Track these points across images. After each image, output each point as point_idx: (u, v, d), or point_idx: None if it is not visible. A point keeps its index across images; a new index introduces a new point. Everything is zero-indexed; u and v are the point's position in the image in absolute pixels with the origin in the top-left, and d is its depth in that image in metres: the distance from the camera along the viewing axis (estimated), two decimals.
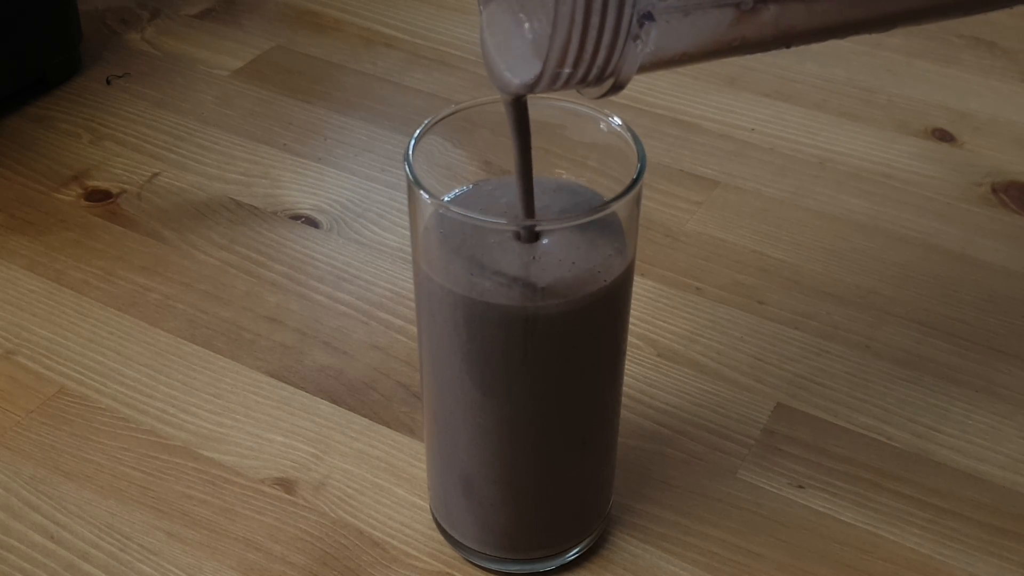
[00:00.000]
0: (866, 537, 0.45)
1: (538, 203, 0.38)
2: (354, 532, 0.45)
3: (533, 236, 0.37)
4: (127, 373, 0.52)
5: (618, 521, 0.46)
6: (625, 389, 0.47)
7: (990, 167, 0.65)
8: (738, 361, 0.52)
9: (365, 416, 0.50)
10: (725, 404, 0.50)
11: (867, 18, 0.36)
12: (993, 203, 0.62)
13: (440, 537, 0.45)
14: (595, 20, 0.30)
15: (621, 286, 0.38)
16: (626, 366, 0.43)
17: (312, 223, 0.61)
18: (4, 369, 0.52)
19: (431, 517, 0.45)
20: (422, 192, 0.36)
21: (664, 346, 0.53)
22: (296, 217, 0.61)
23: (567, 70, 0.31)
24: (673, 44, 0.32)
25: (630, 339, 0.49)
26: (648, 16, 0.31)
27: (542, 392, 0.39)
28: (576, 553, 0.44)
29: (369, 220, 0.61)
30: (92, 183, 0.64)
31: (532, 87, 0.33)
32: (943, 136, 0.67)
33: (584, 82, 0.32)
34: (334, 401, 0.51)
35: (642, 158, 0.37)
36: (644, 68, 0.32)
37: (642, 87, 0.69)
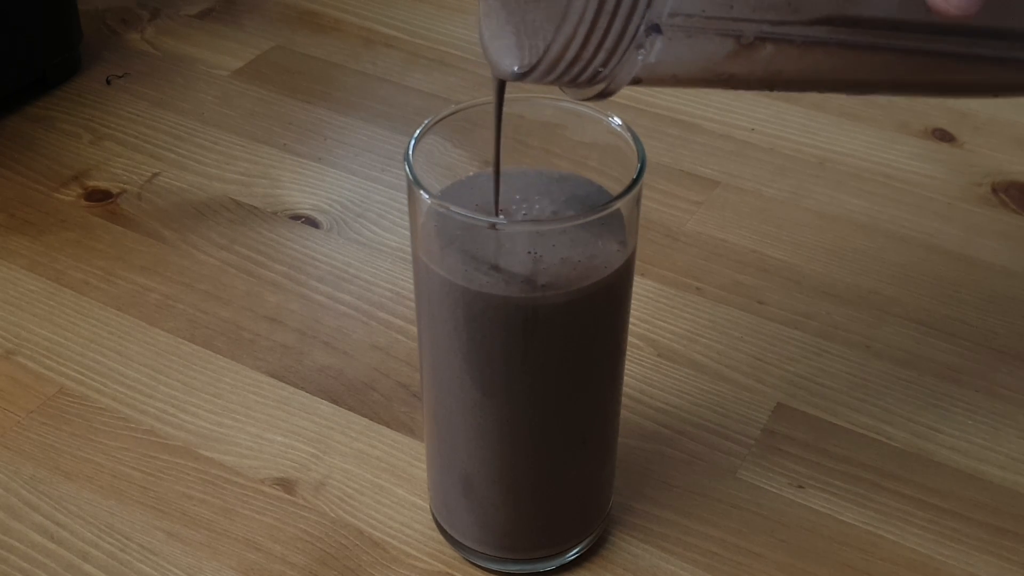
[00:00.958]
0: (866, 537, 0.45)
1: (540, 194, 0.38)
2: (354, 532, 0.45)
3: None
4: (127, 373, 0.52)
5: (618, 521, 0.46)
6: (625, 389, 0.47)
7: (990, 167, 0.64)
8: (738, 361, 0.52)
9: (365, 416, 0.50)
10: (725, 404, 0.50)
11: (853, 79, 0.36)
12: (993, 203, 0.62)
13: (440, 537, 0.45)
14: (603, 21, 0.30)
15: (621, 281, 0.38)
16: (626, 366, 0.43)
17: (312, 223, 0.61)
18: (4, 369, 0.52)
19: (431, 517, 0.45)
20: (422, 192, 0.36)
21: (664, 346, 0.53)
22: (296, 217, 0.61)
23: (564, 65, 0.31)
24: (668, 63, 0.32)
25: (630, 339, 0.49)
26: (656, 28, 0.31)
27: (542, 392, 0.39)
28: (576, 553, 0.44)
29: (369, 220, 0.61)
30: (92, 183, 0.64)
31: (524, 76, 0.33)
32: (943, 136, 0.67)
33: (575, 81, 0.32)
34: (334, 401, 0.51)
35: (642, 158, 0.37)
36: (634, 81, 0.32)
37: (642, 87, 0.69)
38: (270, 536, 0.45)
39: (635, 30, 0.30)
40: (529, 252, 0.37)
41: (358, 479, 0.47)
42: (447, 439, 0.41)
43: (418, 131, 0.38)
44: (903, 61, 0.35)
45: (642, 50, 0.31)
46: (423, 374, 0.41)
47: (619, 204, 0.36)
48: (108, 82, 0.72)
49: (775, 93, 0.70)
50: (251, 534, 0.45)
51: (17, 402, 0.51)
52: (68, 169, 0.65)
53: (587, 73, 0.32)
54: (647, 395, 0.51)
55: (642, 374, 0.52)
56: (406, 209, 0.55)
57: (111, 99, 0.70)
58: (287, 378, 0.52)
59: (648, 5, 0.30)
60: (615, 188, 0.38)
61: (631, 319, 0.44)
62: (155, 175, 0.64)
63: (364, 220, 0.61)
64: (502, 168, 0.37)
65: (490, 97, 0.37)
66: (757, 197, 0.62)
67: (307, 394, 0.51)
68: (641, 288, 0.56)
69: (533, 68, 0.32)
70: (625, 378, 0.43)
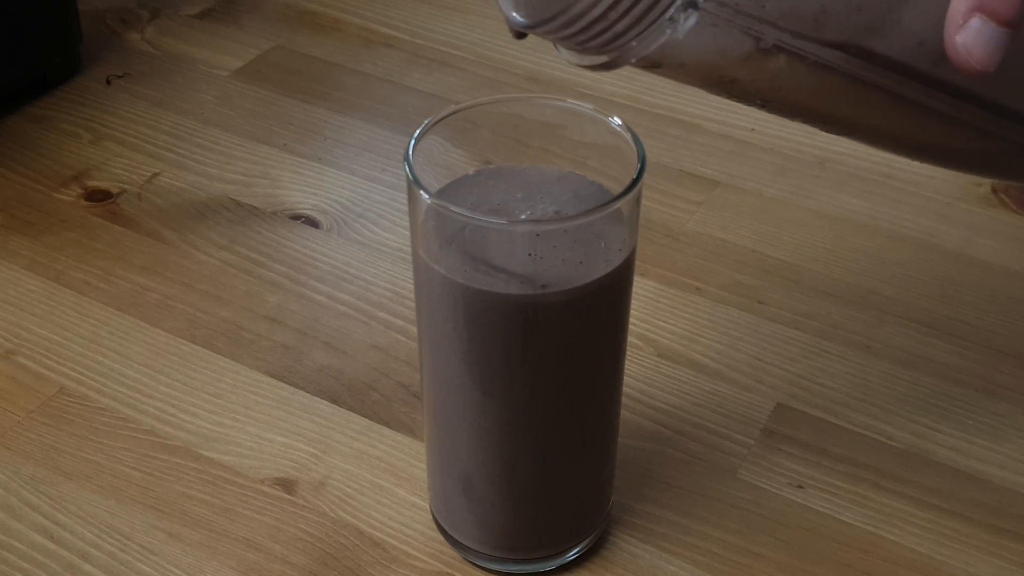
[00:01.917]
0: (866, 537, 0.45)
1: (541, 193, 0.38)
2: (354, 532, 0.45)
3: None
4: (127, 373, 0.52)
5: (618, 521, 0.46)
6: (625, 389, 0.47)
7: None
8: (738, 361, 0.52)
9: (365, 416, 0.50)
10: (725, 404, 0.50)
11: (844, 115, 0.36)
12: (993, 203, 0.62)
13: (440, 537, 0.45)
14: None
15: (621, 281, 0.38)
16: (626, 366, 0.43)
17: (312, 223, 0.61)
18: (4, 369, 0.52)
19: (431, 517, 0.45)
20: (422, 192, 0.36)
21: (664, 346, 0.53)
22: (296, 217, 0.61)
23: (585, 22, 0.30)
24: (686, 48, 0.31)
25: (630, 339, 0.49)
26: (693, 4, 0.30)
27: (542, 392, 0.39)
28: (576, 553, 0.44)
29: (369, 220, 0.61)
30: (92, 183, 0.64)
31: (537, 27, 0.32)
32: None
33: (587, 42, 0.32)
34: (334, 401, 0.51)
35: (642, 158, 0.37)
36: (644, 60, 0.32)
37: (642, 87, 0.69)
38: (270, 536, 0.45)
39: (671, 2, 0.30)
40: (529, 252, 0.37)
41: (358, 479, 0.47)
42: (447, 439, 0.41)
43: (418, 131, 0.38)
44: (898, 109, 0.35)
45: (671, 26, 0.30)
46: (423, 374, 0.41)
47: (619, 204, 0.36)
48: (108, 82, 0.72)
49: None
50: (251, 534, 0.45)
51: (17, 402, 0.51)
52: (68, 169, 0.65)
53: (605, 36, 0.31)
54: (647, 395, 0.51)
55: (642, 374, 0.52)
56: (406, 209, 0.55)
57: (111, 99, 0.70)
58: (287, 378, 0.52)
59: None
60: (615, 188, 0.38)
61: (631, 319, 0.44)
62: (155, 175, 0.64)
63: (364, 220, 0.61)
64: (502, 168, 0.37)
65: (490, 97, 0.37)
66: (757, 197, 0.62)
67: (307, 394, 0.51)
68: (641, 288, 0.56)
69: (552, 18, 0.31)
70: (625, 378, 0.43)
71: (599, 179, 0.39)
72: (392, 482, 0.47)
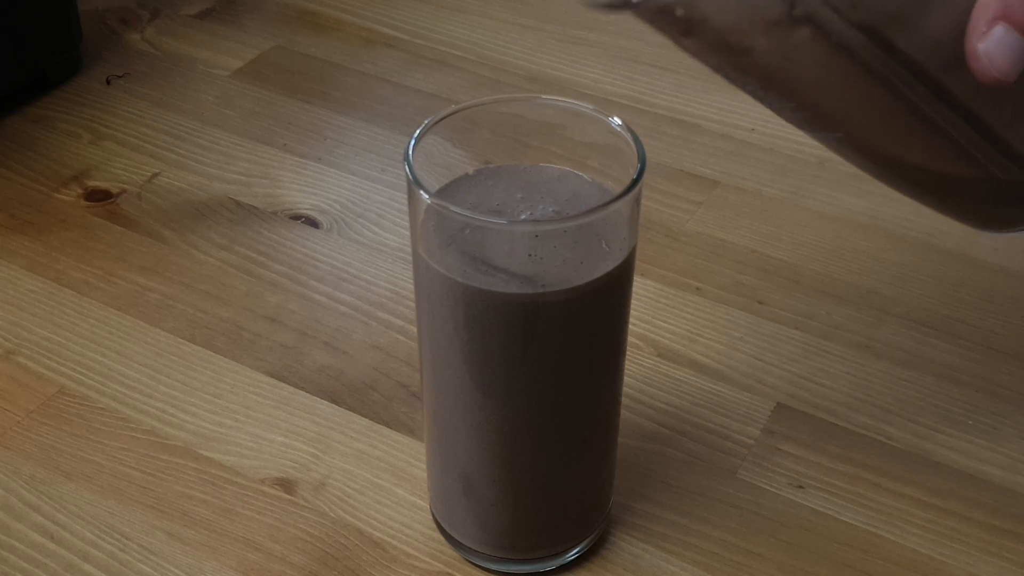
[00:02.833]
0: (866, 537, 0.45)
1: (541, 193, 0.38)
2: (354, 532, 0.45)
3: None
4: (127, 373, 0.52)
5: (618, 521, 0.46)
6: (625, 389, 0.47)
7: None
8: (738, 361, 0.52)
9: (365, 416, 0.50)
10: (725, 404, 0.50)
11: (845, 114, 0.36)
12: None
13: (440, 537, 0.45)
14: None
15: (621, 281, 0.38)
16: (626, 366, 0.43)
17: (312, 223, 0.61)
18: (4, 369, 0.52)
19: (431, 517, 0.45)
20: (422, 192, 0.36)
21: (664, 346, 0.53)
22: (296, 217, 0.61)
23: None
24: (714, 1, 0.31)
25: (630, 339, 0.49)
26: None
27: (542, 391, 0.39)
28: (576, 553, 0.44)
29: (369, 220, 0.61)
30: (92, 183, 0.64)
31: None
32: None
33: None
34: (334, 401, 0.51)
35: (642, 158, 0.37)
36: (663, 8, 0.31)
37: (642, 87, 0.69)
38: (270, 536, 0.45)
39: None
40: (529, 252, 0.37)
41: (358, 479, 0.47)
42: (447, 439, 0.41)
43: (418, 131, 0.38)
44: (894, 111, 0.36)
45: None
46: (423, 374, 0.41)
47: (619, 204, 0.36)
48: (108, 82, 0.72)
49: None
50: (251, 534, 0.45)
51: (17, 402, 0.51)
52: (68, 169, 0.65)
53: None
54: (647, 395, 0.51)
55: (642, 374, 0.52)
56: (406, 209, 0.55)
57: (111, 99, 0.70)
58: (287, 378, 0.52)
59: None
60: (615, 188, 0.38)
61: (631, 319, 0.44)
62: (155, 175, 0.64)
63: (364, 220, 0.61)
64: (502, 168, 0.37)
65: (490, 97, 0.37)
66: (757, 197, 0.62)
67: (307, 394, 0.51)
68: (641, 288, 0.56)
69: None
70: (625, 378, 0.43)
71: (599, 179, 0.39)
72: (392, 482, 0.47)
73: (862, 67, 0.33)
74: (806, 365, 0.52)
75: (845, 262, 0.58)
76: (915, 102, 0.35)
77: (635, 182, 0.36)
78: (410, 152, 0.37)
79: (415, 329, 0.45)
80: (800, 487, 0.47)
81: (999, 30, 0.31)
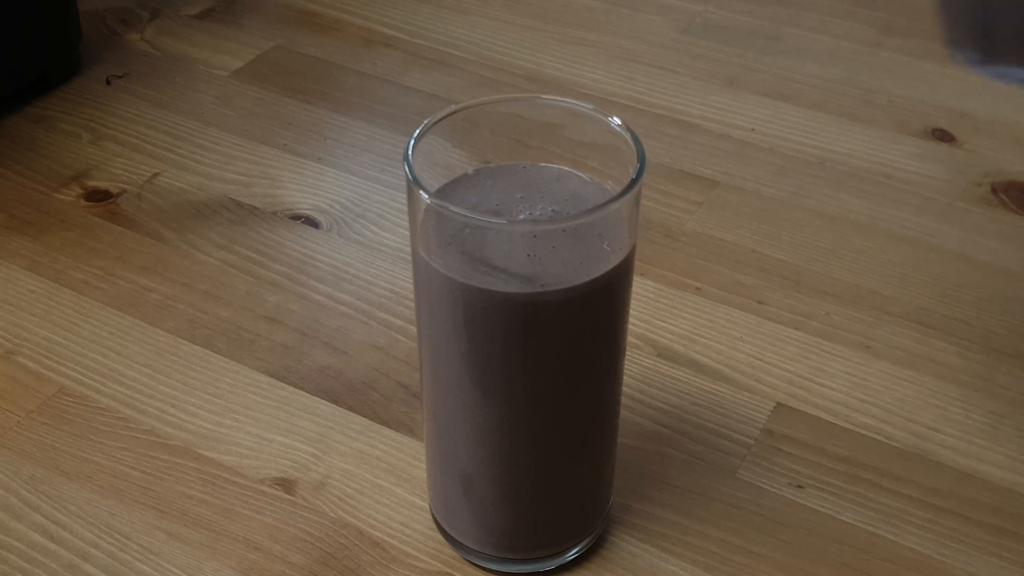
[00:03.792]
0: (866, 537, 0.45)
1: (541, 193, 0.38)
2: (354, 532, 0.45)
3: None
4: (127, 373, 0.52)
5: (618, 521, 0.46)
6: (625, 389, 0.47)
7: (990, 167, 0.65)
8: (738, 361, 0.52)
9: (365, 416, 0.50)
10: (725, 404, 0.50)
11: None
12: (993, 203, 0.62)
13: (440, 537, 0.45)
14: None
15: (621, 281, 0.38)
16: (626, 366, 0.43)
17: (312, 223, 0.61)
18: (4, 369, 0.52)
19: (431, 517, 0.45)
20: (421, 192, 0.36)
21: (664, 346, 0.53)
22: (296, 217, 0.61)
23: None
24: None
25: (630, 339, 0.49)
26: None
27: (541, 391, 0.39)
28: (576, 553, 0.44)
29: (369, 220, 0.61)
30: (92, 183, 0.64)
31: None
32: (943, 136, 0.67)
33: None
34: (334, 401, 0.51)
35: (642, 158, 0.37)
36: None
37: (642, 87, 0.69)
38: (270, 536, 0.45)
39: None
40: (529, 251, 0.37)
41: (358, 479, 0.47)
42: (447, 439, 0.41)
43: (418, 131, 0.38)
44: None
45: None
46: (423, 374, 0.41)
47: (619, 204, 0.36)
48: (108, 82, 0.72)
49: (775, 94, 0.70)
50: (251, 534, 0.45)
51: (17, 402, 0.51)
52: (68, 169, 0.65)
53: None
54: (647, 395, 0.51)
55: (642, 374, 0.52)
56: (406, 209, 0.55)
57: (111, 99, 0.70)
58: (287, 378, 0.52)
59: None
60: (615, 188, 0.38)
61: (631, 319, 0.44)
62: (155, 175, 0.64)
63: (364, 220, 0.61)
64: (501, 168, 0.37)
65: (490, 97, 0.37)
66: (757, 197, 0.62)
67: (307, 394, 0.51)
68: (641, 288, 0.56)
69: None
70: (625, 378, 0.43)
71: (598, 179, 0.39)
72: (392, 482, 0.47)
73: None
74: (806, 365, 0.52)
75: (845, 262, 0.58)
76: None
77: (634, 182, 0.36)
78: (410, 152, 0.37)
79: (415, 329, 0.45)
80: (800, 487, 0.47)
81: None
